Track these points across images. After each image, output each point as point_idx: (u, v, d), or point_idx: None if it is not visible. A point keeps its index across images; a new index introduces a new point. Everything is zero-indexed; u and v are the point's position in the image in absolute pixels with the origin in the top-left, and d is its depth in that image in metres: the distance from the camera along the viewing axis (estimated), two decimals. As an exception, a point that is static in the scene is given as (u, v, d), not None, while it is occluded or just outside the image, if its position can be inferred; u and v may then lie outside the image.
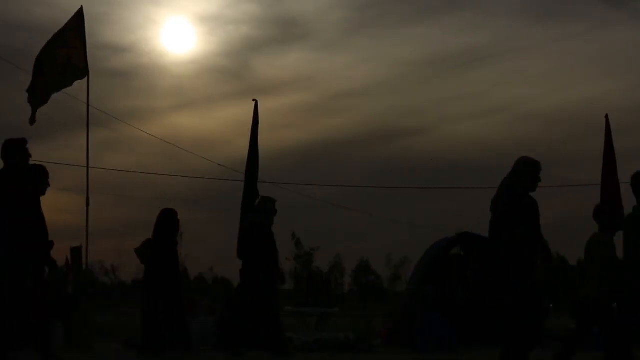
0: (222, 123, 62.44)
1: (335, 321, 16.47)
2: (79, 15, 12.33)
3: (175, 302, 8.73)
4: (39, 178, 7.31)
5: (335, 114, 65.53)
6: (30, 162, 7.37)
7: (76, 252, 11.96)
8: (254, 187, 11.54)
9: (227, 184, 16.51)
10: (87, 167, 11.96)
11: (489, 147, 60.46)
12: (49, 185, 7.39)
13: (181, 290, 9.01)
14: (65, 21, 12.35)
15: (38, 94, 11.91)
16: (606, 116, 12.84)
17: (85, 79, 12.14)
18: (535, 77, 64.26)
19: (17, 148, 7.31)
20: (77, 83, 12.26)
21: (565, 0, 64.65)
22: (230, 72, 65.85)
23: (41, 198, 7.33)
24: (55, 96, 12.15)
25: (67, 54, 12.14)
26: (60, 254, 10.54)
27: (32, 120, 11.79)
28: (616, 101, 56.67)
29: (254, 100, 11.92)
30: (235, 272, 9.50)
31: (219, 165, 16.23)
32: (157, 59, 64.73)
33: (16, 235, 6.89)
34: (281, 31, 67.32)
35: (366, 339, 12.57)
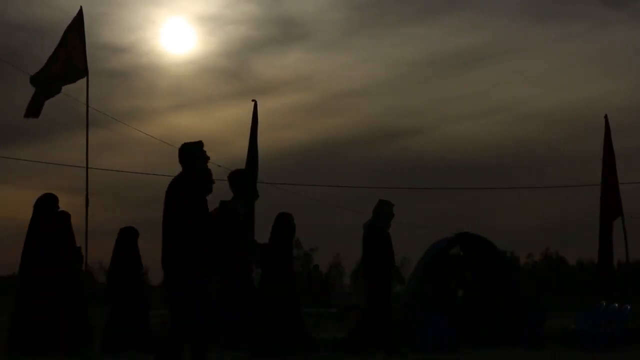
0: (222, 123, 62.41)
1: (335, 321, 16.48)
2: (79, 15, 12.35)
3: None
4: (209, 181, 7.29)
5: (335, 114, 65.55)
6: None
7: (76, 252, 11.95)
8: (253, 188, 11.54)
9: (226, 185, 16.49)
10: (87, 167, 11.97)
11: (489, 147, 60.48)
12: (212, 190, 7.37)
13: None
14: (65, 21, 12.38)
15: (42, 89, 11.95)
16: (605, 116, 12.86)
17: (85, 79, 12.16)
18: (535, 77, 64.26)
19: (197, 151, 7.30)
20: (76, 83, 12.27)
21: (565, 0, 64.67)
22: (230, 72, 65.88)
23: None
24: (54, 96, 12.16)
25: (68, 54, 12.15)
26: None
27: (35, 114, 11.81)
28: (616, 101, 56.70)
29: (253, 100, 11.94)
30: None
31: (219, 166, 16.19)
32: (156, 59, 64.70)
33: (200, 243, 6.83)
34: (281, 31, 67.31)
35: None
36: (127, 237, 11.15)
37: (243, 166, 11.83)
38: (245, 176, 9.73)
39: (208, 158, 7.32)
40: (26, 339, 9.72)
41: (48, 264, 9.97)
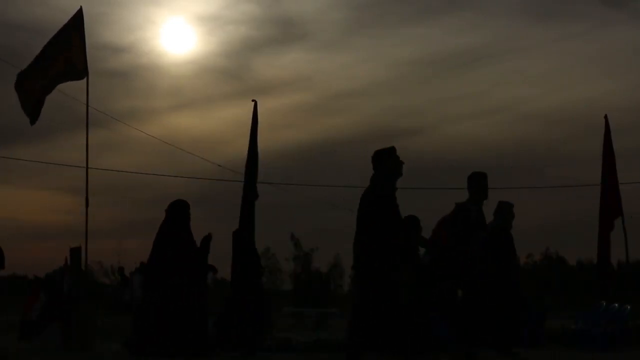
0: (222, 123, 62.28)
1: (335, 321, 16.46)
2: (79, 15, 12.35)
3: None
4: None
5: (335, 114, 65.39)
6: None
7: (75, 252, 11.95)
8: (253, 188, 11.52)
9: (226, 185, 16.51)
10: (87, 167, 11.97)
11: (489, 147, 60.28)
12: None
13: None
14: (65, 22, 12.37)
15: (31, 97, 11.92)
16: (605, 116, 12.84)
17: (85, 79, 12.16)
18: (535, 77, 64.10)
19: (390, 156, 7.37)
20: (76, 83, 12.27)
21: (565, 0, 64.54)
22: (230, 72, 65.73)
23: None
24: (54, 96, 12.17)
25: (68, 54, 12.15)
26: (59, 254, 10.55)
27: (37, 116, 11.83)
28: (616, 101, 56.55)
29: (253, 100, 11.91)
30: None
31: (219, 165, 16.20)
32: (156, 59, 64.54)
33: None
34: (280, 31, 67.19)
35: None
36: (241, 237, 11.15)
37: (243, 167, 11.80)
38: (481, 180, 9.56)
39: (402, 163, 7.52)
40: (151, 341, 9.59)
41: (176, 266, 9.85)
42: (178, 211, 10.06)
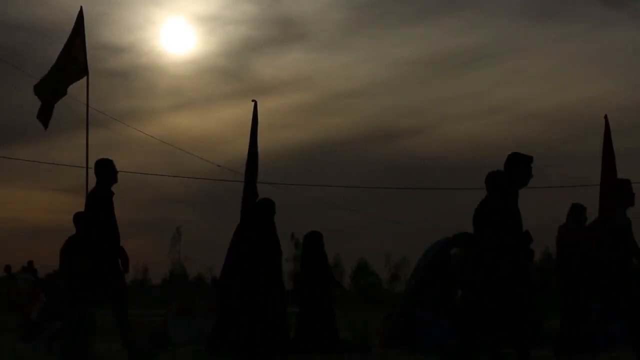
0: (222, 123, 62.52)
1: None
2: (79, 16, 12.40)
3: None
4: None
5: (334, 114, 65.61)
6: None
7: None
8: (253, 188, 11.51)
9: (226, 185, 16.52)
10: (87, 167, 11.97)
11: (489, 147, 60.41)
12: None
13: None
14: (65, 21, 12.47)
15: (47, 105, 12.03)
16: (605, 116, 12.83)
17: (85, 79, 12.18)
18: (535, 77, 64.31)
19: (525, 167, 7.49)
20: (76, 83, 12.30)
21: (565, 0, 64.71)
22: (230, 72, 65.92)
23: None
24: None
25: (69, 55, 12.21)
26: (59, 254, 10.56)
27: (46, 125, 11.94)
28: (616, 101, 56.73)
29: (253, 100, 11.90)
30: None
31: (218, 166, 16.22)
32: (156, 60, 64.83)
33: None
34: (280, 31, 67.40)
35: (365, 339, 12.57)
36: (313, 241, 11.34)
37: (242, 167, 11.80)
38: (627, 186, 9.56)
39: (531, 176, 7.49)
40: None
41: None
42: (265, 211, 10.14)
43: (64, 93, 12.23)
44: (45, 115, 12.10)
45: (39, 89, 12.14)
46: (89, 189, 11.86)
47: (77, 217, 8.99)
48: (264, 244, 10.04)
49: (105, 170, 8.35)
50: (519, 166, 7.55)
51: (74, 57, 12.18)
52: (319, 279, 11.27)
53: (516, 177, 7.47)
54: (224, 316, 10.07)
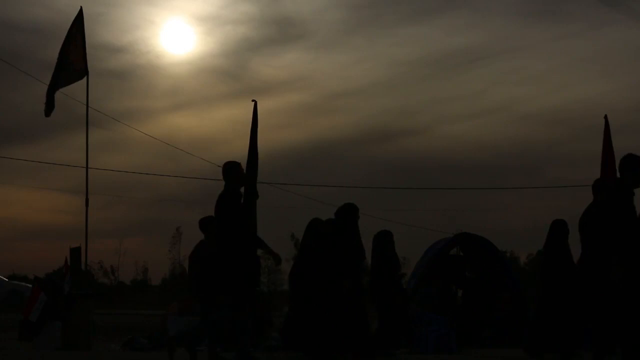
0: (220, 123, 62.41)
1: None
2: (79, 16, 12.40)
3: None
4: None
5: (333, 114, 65.46)
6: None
7: (75, 252, 11.96)
8: (253, 188, 11.52)
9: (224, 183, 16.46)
10: (87, 167, 11.99)
11: (488, 147, 60.45)
12: None
13: None
14: (65, 22, 12.46)
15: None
16: (605, 116, 12.82)
17: (85, 79, 12.18)
18: (533, 77, 64.20)
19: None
20: (76, 84, 12.30)
21: (564, 0, 64.64)
22: (228, 72, 65.80)
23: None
24: (54, 96, 12.19)
25: (69, 54, 12.22)
26: (59, 254, 10.58)
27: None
28: (615, 101, 56.65)
29: (253, 100, 11.90)
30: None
31: (218, 165, 16.18)
32: (154, 60, 64.69)
33: None
34: (278, 31, 67.24)
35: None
36: (384, 240, 11.22)
37: (243, 166, 11.78)
38: None
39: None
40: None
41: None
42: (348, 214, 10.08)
43: (62, 85, 12.19)
44: (48, 104, 12.05)
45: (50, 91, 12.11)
46: (89, 188, 11.91)
47: (205, 223, 8.84)
48: (347, 248, 9.94)
49: (232, 173, 8.25)
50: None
51: (72, 60, 12.17)
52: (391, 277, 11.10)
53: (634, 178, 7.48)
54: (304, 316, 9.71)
